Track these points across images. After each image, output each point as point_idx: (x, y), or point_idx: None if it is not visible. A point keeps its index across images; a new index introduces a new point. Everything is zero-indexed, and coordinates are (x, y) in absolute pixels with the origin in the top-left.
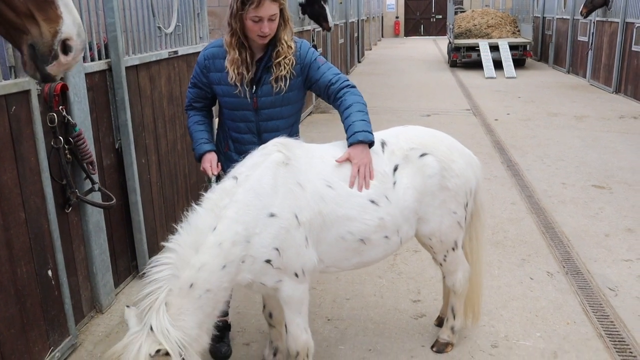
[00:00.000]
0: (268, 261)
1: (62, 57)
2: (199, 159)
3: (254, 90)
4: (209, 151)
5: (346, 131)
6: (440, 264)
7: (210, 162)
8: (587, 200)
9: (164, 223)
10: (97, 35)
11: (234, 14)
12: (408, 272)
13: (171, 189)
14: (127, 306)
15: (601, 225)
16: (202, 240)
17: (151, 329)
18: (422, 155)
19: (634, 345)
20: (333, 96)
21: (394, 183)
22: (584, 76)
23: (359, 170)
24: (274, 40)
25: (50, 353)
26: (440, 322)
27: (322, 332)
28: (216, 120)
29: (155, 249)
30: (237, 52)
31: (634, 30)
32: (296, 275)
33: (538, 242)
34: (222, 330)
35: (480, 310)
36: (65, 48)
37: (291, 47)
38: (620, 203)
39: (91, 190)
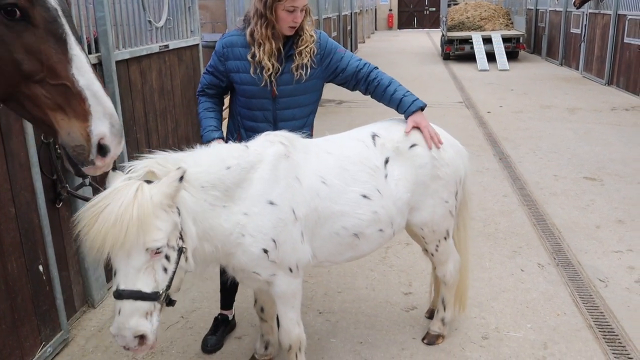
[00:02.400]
0: (265, 251)
1: (98, 161)
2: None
3: (273, 79)
4: (217, 138)
5: (398, 104)
6: (432, 254)
7: None
8: (579, 192)
9: None
10: (87, 29)
11: (269, 5)
12: (399, 265)
13: None
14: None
15: (592, 217)
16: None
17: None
18: (412, 146)
19: (623, 336)
20: (364, 79)
21: (386, 176)
22: (577, 68)
23: (430, 134)
24: (297, 29)
25: (42, 348)
26: (431, 314)
27: (313, 325)
28: (226, 111)
29: None
30: (275, 43)
31: (626, 22)
32: (290, 270)
33: (529, 234)
34: (219, 324)
35: (467, 300)
36: (102, 149)
37: (312, 36)
38: (611, 195)
39: (82, 185)
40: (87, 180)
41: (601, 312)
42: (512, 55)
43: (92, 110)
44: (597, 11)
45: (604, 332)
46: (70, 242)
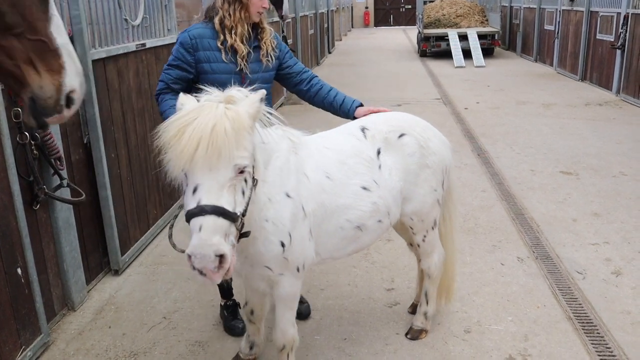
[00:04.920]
0: (282, 244)
1: (65, 111)
2: None
3: (242, 67)
4: None
5: (341, 103)
6: (419, 245)
7: None
8: (555, 187)
9: (136, 218)
10: None
11: None
12: (382, 261)
13: (142, 184)
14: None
15: (569, 211)
16: None
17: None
18: (401, 135)
19: (601, 326)
20: (308, 80)
21: (379, 166)
22: (551, 64)
23: (379, 110)
24: (258, 23)
25: (22, 352)
26: (414, 310)
27: (297, 323)
28: None
29: (127, 244)
30: (245, 27)
31: (598, 18)
32: (297, 270)
33: (508, 228)
34: (235, 308)
35: (454, 291)
36: (69, 102)
37: (271, 30)
38: (586, 188)
39: (60, 186)
40: (65, 181)
41: (580, 304)
42: (487, 52)
43: (67, 66)
44: (570, 8)
45: (583, 323)
46: (48, 245)
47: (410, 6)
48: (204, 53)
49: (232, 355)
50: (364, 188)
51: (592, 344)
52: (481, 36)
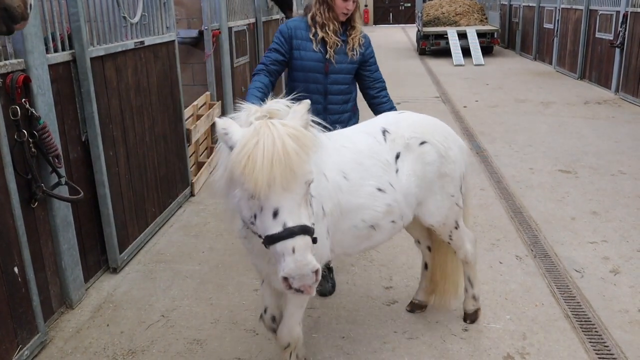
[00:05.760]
0: None
1: (30, 18)
2: None
3: (329, 56)
4: None
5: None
6: (448, 243)
7: None
8: (554, 185)
9: (134, 216)
10: (60, 25)
11: None
12: (380, 260)
13: (140, 182)
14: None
15: (567, 209)
16: None
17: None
18: (422, 143)
19: (599, 325)
20: (378, 90)
21: (397, 171)
22: (550, 63)
23: None
24: (350, 20)
25: (19, 351)
26: (412, 308)
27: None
28: None
29: (125, 242)
30: (335, 24)
31: (597, 17)
32: None
33: (507, 226)
34: (327, 271)
35: (461, 288)
36: (30, 8)
37: (361, 30)
38: (585, 187)
39: (58, 184)
40: (63, 179)
41: (578, 302)
42: (487, 50)
43: None
44: (569, 6)
45: (581, 321)
46: (46, 243)
47: (409, 4)
48: (297, 41)
49: (231, 354)
50: (379, 189)
51: (590, 342)
52: (480, 34)
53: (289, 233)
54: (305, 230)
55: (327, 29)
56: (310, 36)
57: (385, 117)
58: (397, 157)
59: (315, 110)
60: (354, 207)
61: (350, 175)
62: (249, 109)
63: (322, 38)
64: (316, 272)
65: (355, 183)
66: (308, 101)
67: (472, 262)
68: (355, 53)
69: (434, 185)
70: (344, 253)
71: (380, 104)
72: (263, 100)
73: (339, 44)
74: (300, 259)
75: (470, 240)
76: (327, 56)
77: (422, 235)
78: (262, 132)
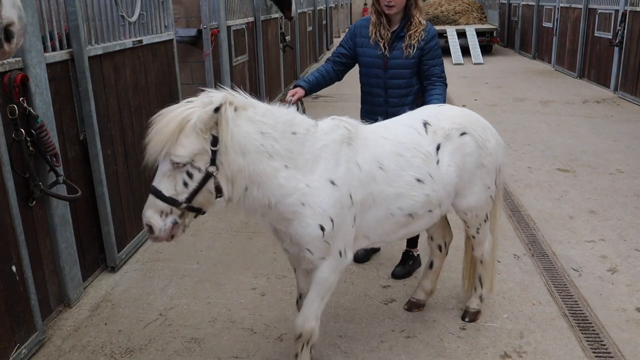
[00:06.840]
0: (322, 228)
1: (5, 46)
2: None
3: (386, 52)
4: (300, 86)
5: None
6: (473, 237)
7: (294, 93)
8: (552, 184)
9: (132, 215)
10: (58, 24)
11: None
12: (377, 259)
13: (139, 180)
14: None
15: (565, 208)
16: None
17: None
18: (462, 134)
19: (597, 323)
20: (430, 84)
21: (437, 162)
22: (549, 62)
23: None
24: (408, 16)
25: (17, 350)
26: (410, 307)
27: (293, 320)
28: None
29: (123, 241)
30: (377, 17)
31: (597, 16)
32: (340, 254)
33: (505, 225)
34: (406, 258)
35: (495, 282)
36: (8, 35)
37: (422, 24)
38: (583, 186)
39: (56, 183)
40: (61, 178)
41: (575, 301)
42: (486, 49)
43: (3, 1)
44: (568, 5)
45: (578, 320)
46: (44, 242)
47: None
48: (360, 39)
49: (228, 353)
50: (418, 180)
51: (588, 341)
52: (480, 33)
53: (151, 189)
54: (157, 194)
55: (378, 25)
56: (369, 33)
57: (426, 110)
58: (438, 148)
59: (376, 103)
60: (389, 197)
61: (388, 166)
62: (210, 92)
63: (379, 35)
64: (150, 227)
65: (392, 174)
66: (224, 102)
67: (486, 262)
68: (411, 49)
69: (473, 176)
70: (380, 240)
71: (428, 98)
72: (313, 81)
73: (392, 41)
74: (144, 208)
75: (489, 241)
76: (385, 52)
77: (437, 232)
78: (172, 112)
